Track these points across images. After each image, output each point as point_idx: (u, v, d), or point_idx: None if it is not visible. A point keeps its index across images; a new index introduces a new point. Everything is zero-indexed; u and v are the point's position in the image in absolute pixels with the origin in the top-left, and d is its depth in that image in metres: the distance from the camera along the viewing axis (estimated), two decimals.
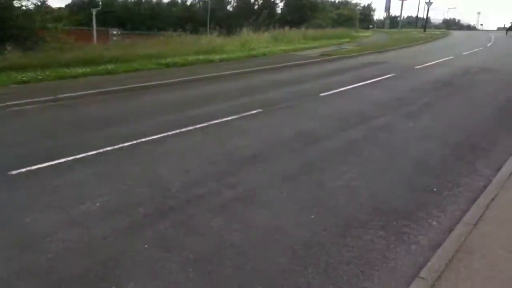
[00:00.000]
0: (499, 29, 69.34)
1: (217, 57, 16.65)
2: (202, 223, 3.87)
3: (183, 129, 6.88)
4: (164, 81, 11.24)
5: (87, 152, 5.70)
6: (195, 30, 31.31)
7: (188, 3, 58.73)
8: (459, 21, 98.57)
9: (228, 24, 42.15)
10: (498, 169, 5.22)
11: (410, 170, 5.23)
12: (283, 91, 10.51)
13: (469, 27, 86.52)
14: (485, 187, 4.71)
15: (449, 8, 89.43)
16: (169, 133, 6.67)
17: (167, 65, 14.44)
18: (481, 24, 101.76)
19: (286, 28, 29.08)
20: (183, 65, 14.76)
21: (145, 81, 11.03)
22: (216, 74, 12.77)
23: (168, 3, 57.24)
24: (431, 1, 48.84)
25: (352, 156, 5.72)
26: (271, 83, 11.73)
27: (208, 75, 12.54)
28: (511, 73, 14.05)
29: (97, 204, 4.21)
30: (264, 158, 5.63)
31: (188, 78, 11.97)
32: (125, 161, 5.48)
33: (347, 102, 9.33)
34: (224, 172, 5.08)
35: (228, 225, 3.84)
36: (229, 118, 7.64)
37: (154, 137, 6.44)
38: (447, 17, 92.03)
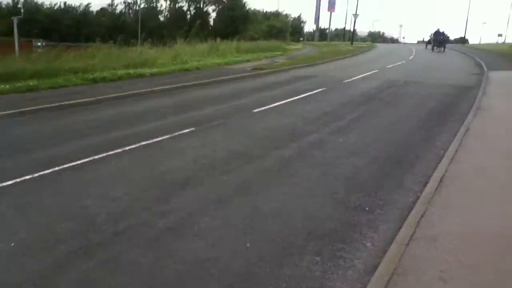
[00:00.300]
0: (418, 42, 73.83)
1: (148, 71, 16.22)
2: (130, 260, 3.62)
3: (110, 152, 6.53)
4: (91, 99, 10.69)
5: (1, 183, 5.22)
6: (125, 41, 30.44)
7: (118, 11, 57.17)
8: (383, 33, 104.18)
9: (161, 35, 41.56)
10: (425, 184, 5.42)
11: (342, 189, 5.29)
12: (217, 107, 10.40)
13: (392, 40, 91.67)
14: (414, 203, 4.86)
15: (374, 21, 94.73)
16: (95, 157, 6.30)
17: (95, 80, 13.83)
18: (403, 37, 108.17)
19: (219, 40, 29.11)
20: (111, 80, 14.22)
21: (70, 99, 10.43)
22: (147, 90, 12.40)
23: (97, 12, 55.35)
24: (357, 13, 51.16)
25: (286, 176, 5.70)
26: (204, 99, 11.59)
27: (138, 91, 12.14)
28: (431, 86, 14.92)
29: (12, 244, 3.83)
30: (197, 181, 5.46)
31: (117, 94, 11.51)
32: (46, 191, 5.07)
33: (280, 118, 9.40)
34: (155, 199, 4.85)
35: (159, 260, 3.62)
36: (160, 138, 7.38)
37: (78, 162, 6.05)
38: (372, 30, 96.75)
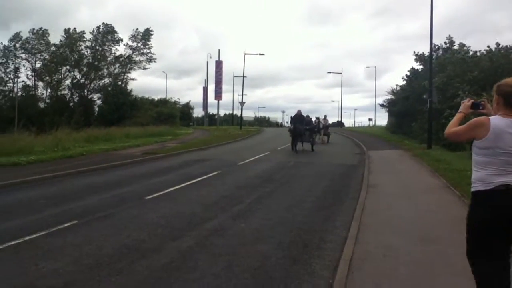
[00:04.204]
0: None
1: (23, 159, 14.56)
2: None
3: None
4: None
5: None
6: (0, 129, 27.80)
7: None
8: (268, 118, 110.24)
9: (42, 122, 39.00)
10: (335, 268, 5.11)
11: (250, 283, 4.74)
12: (103, 196, 9.42)
13: (277, 124, 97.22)
14: None
15: (259, 107, 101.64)
16: None
17: None
18: (287, 122, 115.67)
19: (105, 126, 28.02)
20: None
21: None
22: (20, 179, 10.93)
23: None
24: (244, 101, 53.56)
25: (187, 271, 5.01)
26: (89, 188, 10.50)
27: (9, 181, 10.64)
28: (321, 165, 15.51)
29: None
30: (79, 286, 4.52)
31: None
32: None
33: (175, 204, 8.74)
34: None
35: None
36: (34, 235, 6.25)
37: None
38: (258, 115, 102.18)
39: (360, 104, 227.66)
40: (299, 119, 21.62)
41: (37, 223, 6.94)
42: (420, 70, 33.42)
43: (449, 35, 32.33)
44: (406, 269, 5.03)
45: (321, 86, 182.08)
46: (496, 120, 3.14)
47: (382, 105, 44.65)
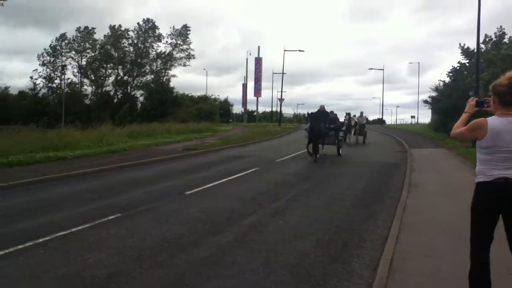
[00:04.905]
0: None
1: (70, 153, 15.17)
2: None
3: (19, 246, 5.57)
4: (1, 184, 9.52)
5: None
6: (48, 124, 28.99)
7: (40, 95, 55.32)
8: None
9: (88, 117, 40.35)
10: (375, 269, 5.03)
11: (288, 279, 4.74)
12: (146, 190, 9.67)
13: None
14: None
15: (298, 104, 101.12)
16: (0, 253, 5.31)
17: (9, 164, 12.58)
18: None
19: (148, 122, 28.73)
20: (29, 163, 13.00)
21: None
22: (67, 173, 11.41)
23: (15, 96, 53.10)
24: (283, 98, 53.52)
25: (225, 266, 5.07)
26: (132, 182, 10.81)
27: (57, 174, 11.13)
28: (361, 164, 15.27)
29: None
30: (121, 278, 4.66)
31: (32, 179, 10.43)
32: None
33: (215, 200, 8.86)
34: None
35: None
36: (80, 227, 6.50)
37: None
38: (297, 112, 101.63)
39: (403, 101, 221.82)
40: (321, 116, 17.20)
41: (83, 216, 7.22)
42: (466, 64, 31.98)
43: (500, 26, 29.76)
44: (449, 270, 4.86)
45: (362, 83, 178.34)
46: (493, 121, 3.31)
47: (425, 102, 43.20)
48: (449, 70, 33.75)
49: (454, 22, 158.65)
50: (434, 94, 38.46)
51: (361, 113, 26.59)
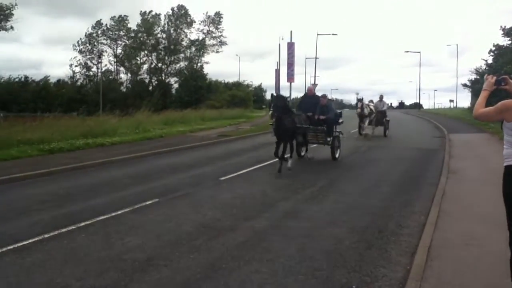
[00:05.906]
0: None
1: (109, 140, 15.59)
2: None
3: (62, 230, 5.80)
4: (43, 170, 9.93)
5: None
6: (88, 112, 29.81)
7: (78, 84, 56.91)
8: (341, 100, 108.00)
9: (125, 105, 41.18)
10: (412, 255, 4.96)
11: (324, 265, 4.74)
12: (182, 176, 9.84)
13: (351, 106, 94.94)
14: (404, 279, 4.35)
15: (332, 89, 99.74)
16: (45, 236, 5.56)
17: (51, 151, 13.04)
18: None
19: (182, 109, 29.08)
20: (69, 150, 13.45)
21: (20, 171, 9.61)
22: (106, 159, 11.74)
23: (55, 84, 54.74)
24: (316, 83, 52.82)
25: (260, 252, 5.11)
26: (168, 168, 11.01)
27: (97, 161, 11.46)
28: (396, 149, 14.97)
29: None
30: (160, 261, 4.79)
31: (73, 165, 10.80)
32: None
33: (249, 186, 8.92)
34: (112, 285, 4.14)
35: None
36: (119, 212, 6.70)
37: (25, 242, 5.29)
38: (331, 97, 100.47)
39: (441, 85, 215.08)
40: (308, 102, 12.28)
41: (122, 200, 7.42)
42: (509, 45, 30.62)
43: None
44: (490, 259, 4.73)
45: (398, 66, 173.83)
46: None
47: (464, 85, 41.79)
48: (490, 52, 32.45)
49: (496, 2, 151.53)
50: (474, 76, 37.09)
51: (381, 97, 20.97)
